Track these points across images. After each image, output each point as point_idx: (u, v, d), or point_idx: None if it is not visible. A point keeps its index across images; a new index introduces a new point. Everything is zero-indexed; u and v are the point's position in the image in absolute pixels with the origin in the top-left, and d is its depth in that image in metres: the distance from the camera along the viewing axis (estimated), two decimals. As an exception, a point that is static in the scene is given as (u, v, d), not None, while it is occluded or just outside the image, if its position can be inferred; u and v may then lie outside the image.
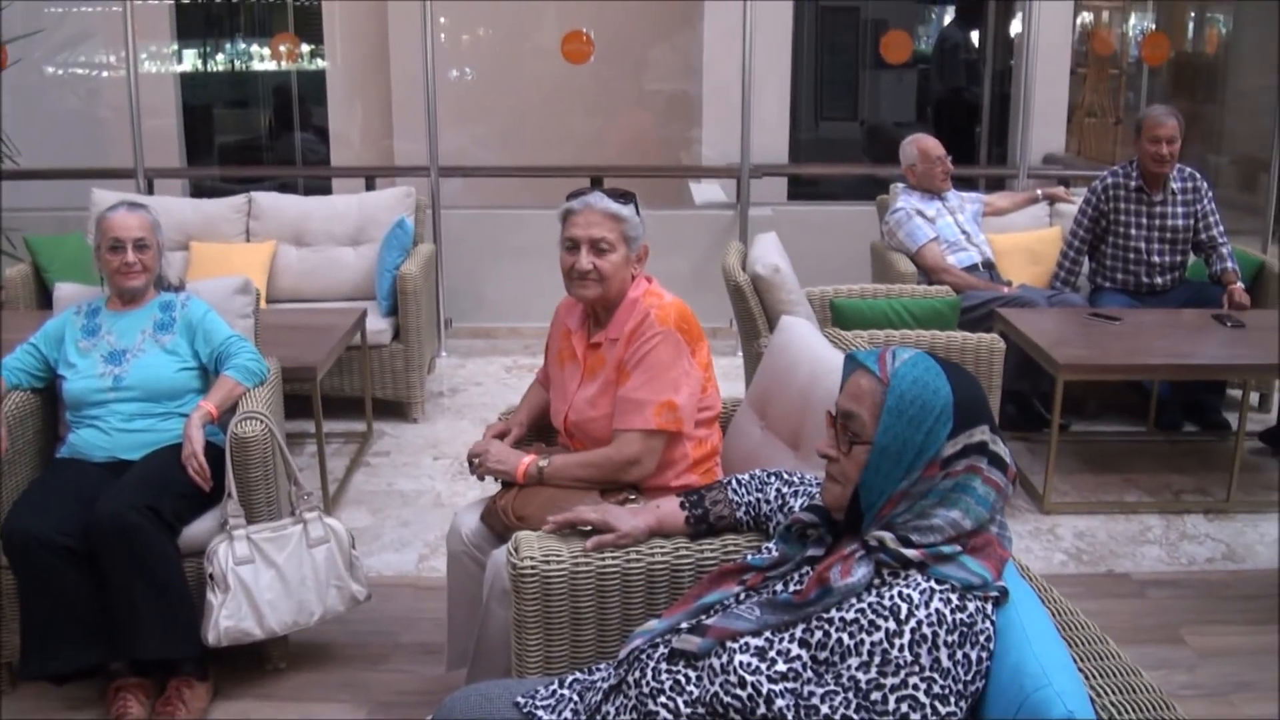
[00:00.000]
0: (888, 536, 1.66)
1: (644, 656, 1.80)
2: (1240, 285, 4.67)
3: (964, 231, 5.05)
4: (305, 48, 8.24)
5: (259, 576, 2.91)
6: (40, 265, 5.10)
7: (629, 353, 2.58)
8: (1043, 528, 3.95)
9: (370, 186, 6.44)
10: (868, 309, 4.03)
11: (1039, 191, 5.49)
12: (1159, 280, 4.83)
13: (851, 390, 1.73)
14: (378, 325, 4.96)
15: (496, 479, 2.71)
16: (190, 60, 8.42)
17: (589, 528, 2.20)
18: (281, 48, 7.40)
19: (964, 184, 5.98)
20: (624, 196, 2.65)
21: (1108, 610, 3.39)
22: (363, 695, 3.02)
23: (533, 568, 2.08)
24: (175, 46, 7.95)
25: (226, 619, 2.86)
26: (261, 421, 3.00)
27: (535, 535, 2.18)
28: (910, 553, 1.64)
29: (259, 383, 3.22)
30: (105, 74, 7.75)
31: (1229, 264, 4.73)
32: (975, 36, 8.25)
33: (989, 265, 5.04)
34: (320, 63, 8.49)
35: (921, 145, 5.14)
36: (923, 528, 1.67)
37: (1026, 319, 4.34)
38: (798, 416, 2.60)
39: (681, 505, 2.21)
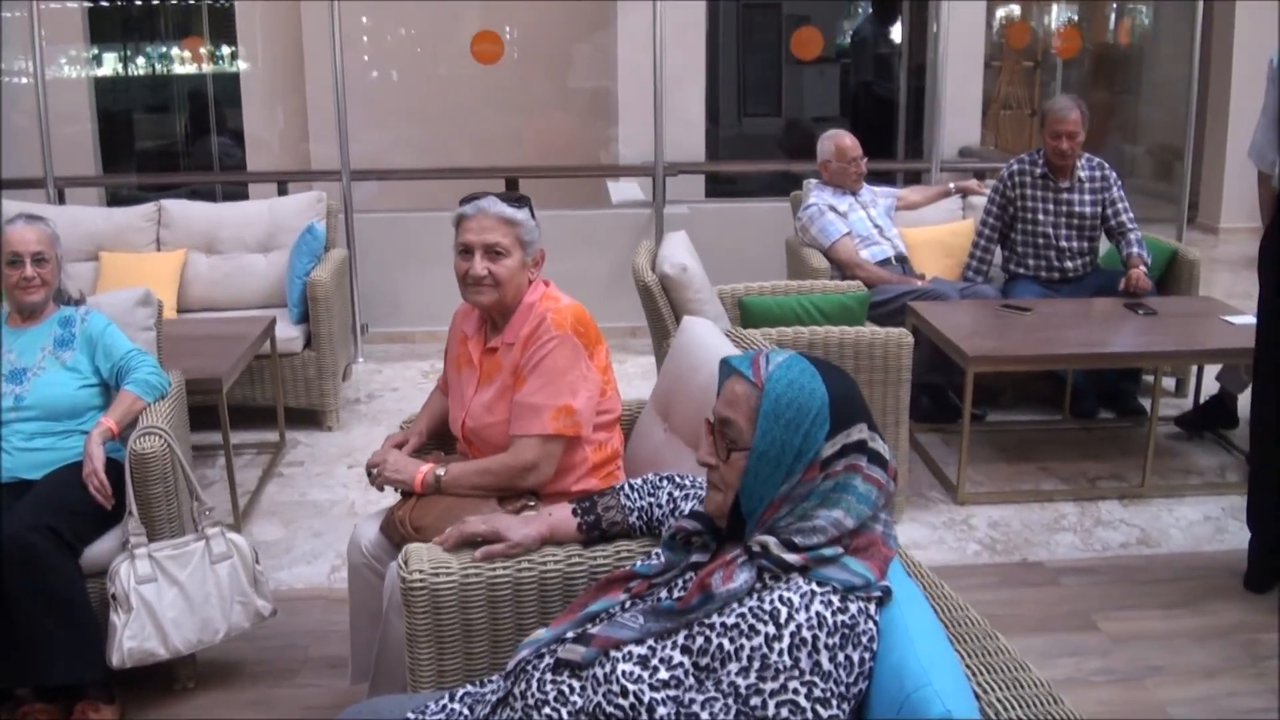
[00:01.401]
0: (770, 541, 1.65)
1: (529, 667, 1.77)
2: (1142, 270, 4.70)
3: (876, 226, 5.08)
4: (225, 50, 8.10)
5: (162, 595, 2.84)
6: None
7: (525, 357, 2.55)
8: (957, 518, 3.97)
9: (283, 192, 6.33)
10: (776, 306, 4.02)
11: (951, 185, 5.55)
12: (1069, 264, 4.90)
13: (727, 396, 1.71)
14: (289, 333, 4.87)
15: (397, 489, 2.67)
16: (105, 65, 8.23)
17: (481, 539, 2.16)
18: (188, 50, 7.26)
19: (881, 178, 6.02)
20: (518, 201, 2.62)
21: (1021, 599, 3.42)
22: (271, 712, 2.96)
23: (421, 580, 2.04)
24: (89, 51, 7.77)
25: (130, 639, 2.79)
26: (160, 437, 2.92)
27: (426, 547, 2.14)
28: (791, 557, 1.62)
29: (160, 396, 3.14)
30: (23, 80, 7.55)
31: (1134, 249, 4.78)
32: (896, 31, 8.30)
33: (902, 259, 5.07)
34: (239, 65, 8.34)
35: (839, 143, 5.15)
36: (805, 530, 1.65)
37: (937, 312, 4.37)
38: (699, 418, 2.55)
39: (574, 512, 2.17)
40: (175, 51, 8.34)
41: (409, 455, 2.77)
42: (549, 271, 6.18)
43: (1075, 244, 4.88)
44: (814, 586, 1.60)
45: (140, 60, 8.48)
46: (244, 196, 6.78)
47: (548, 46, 7.77)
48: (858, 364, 3.75)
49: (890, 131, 7.65)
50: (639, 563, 1.87)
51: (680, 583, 1.77)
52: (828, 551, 1.64)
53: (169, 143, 8.94)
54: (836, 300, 4.09)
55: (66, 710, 2.84)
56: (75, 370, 3.11)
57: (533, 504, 2.52)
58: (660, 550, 1.86)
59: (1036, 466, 4.40)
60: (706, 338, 2.86)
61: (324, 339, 4.93)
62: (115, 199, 7.02)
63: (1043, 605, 3.40)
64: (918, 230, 5.31)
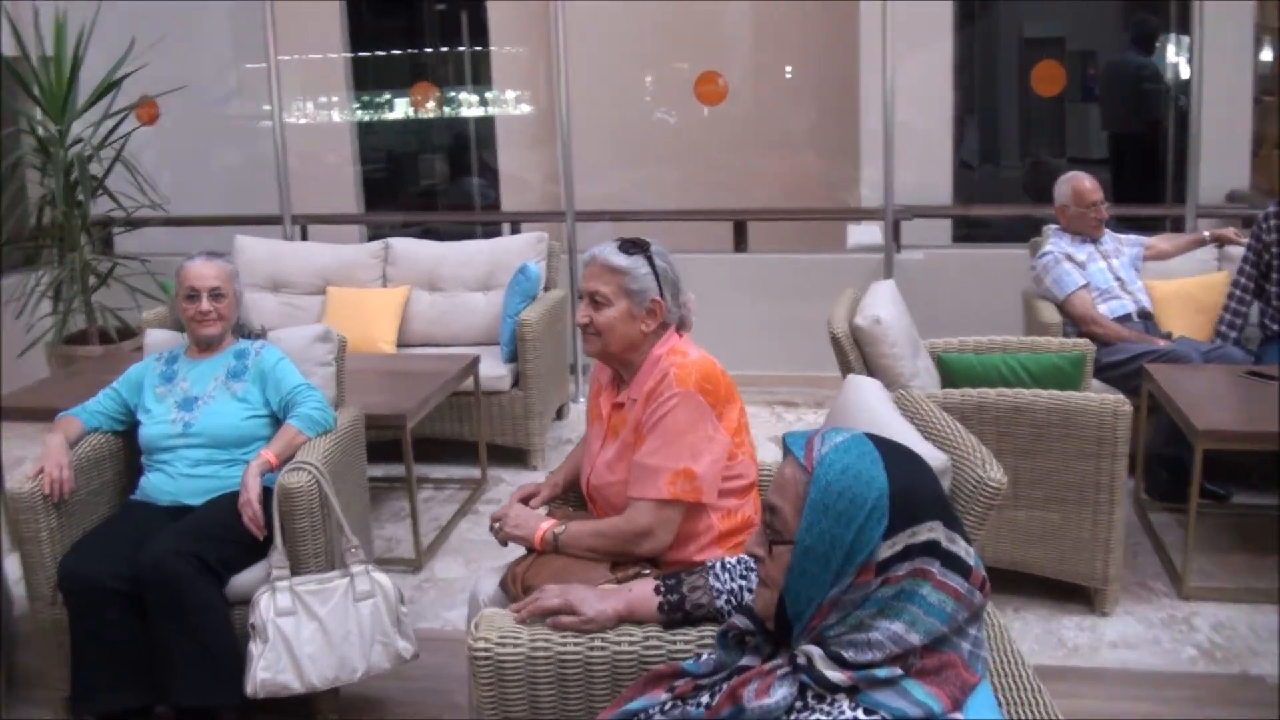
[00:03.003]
0: (815, 653, 1.43)
1: (561, 765, 1.61)
2: None
3: (1118, 278, 4.61)
4: (485, 94, 8.39)
5: (300, 629, 2.86)
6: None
7: (646, 414, 2.41)
8: (1178, 616, 3.49)
9: (516, 231, 6.44)
10: (978, 364, 3.69)
11: (1206, 233, 4.98)
12: None
13: (777, 480, 1.50)
14: (497, 371, 4.91)
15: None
16: (369, 110, 8.70)
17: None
18: (418, 97, 7.58)
19: (1138, 225, 5.51)
20: (634, 247, 2.48)
21: (1231, 720, 2.95)
22: (403, 756, 2.93)
23: (486, 650, 1.93)
24: (352, 97, 8.23)
25: (264, 670, 2.81)
26: (309, 472, 2.96)
27: (500, 614, 2.02)
28: (836, 675, 1.40)
29: (322, 432, 3.20)
30: (295, 121, 8.09)
31: None
32: (1181, 67, 7.64)
33: (1145, 315, 4.58)
34: (496, 109, 8.63)
35: (1077, 185, 4.73)
36: (859, 643, 1.42)
37: (1174, 376, 3.90)
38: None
39: (656, 590, 2.00)
40: (446, 94, 8.71)
41: (539, 507, 2.68)
42: (774, 315, 6.01)
43: (1333, 303, 4.28)
44: (859, 714, 1.37)
45: (404, 104, 8.90)
46: (498, 235, 6.95)
47: (793, 85, 7.61)
48: (1067, 433, 3.37)
49: (1158, 174, 7.02)
50: (691, 660, 1.68)
51: (723, 689, 1.57)
52: (882, 672, 1.40)
53: (431, 183, 9.34)
54: (1047, 360, 3.71)
55: (203, 732, 2.89)
56: (245, 401, 3.20)
57: (647, 572, 2.36)
58: (714, 647, 1.67)
59: (1281, 560, 3.83)
60: (868, 399, 2.63)
61: (531, 378, 4.94)
62: (376, 236, 7.36)
63: (1256, 730, 2.92)
64: (1166, 283, 4.79)
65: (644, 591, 2.01)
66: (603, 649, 1.94)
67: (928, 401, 2.66)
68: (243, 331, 3.39)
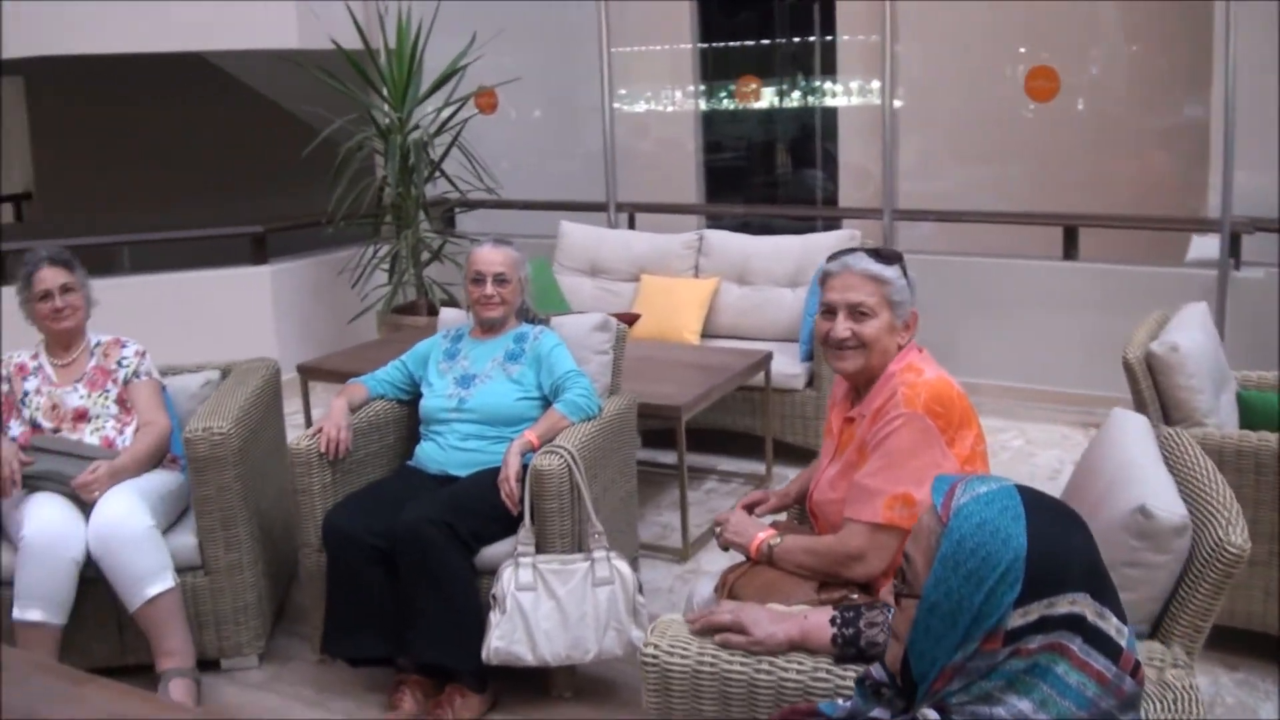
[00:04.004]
0: (932, 719, 1.33)
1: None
2: None
3: None
4: (832, 86, 8.31)
5: (539, 605, 2.98)
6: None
7: (870, 433, 2.32)
8: None
9: (834, 228, 6.35)
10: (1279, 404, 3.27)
11: None
12: None
13: (915, 528, 1.40)
14: (792, 369, 4.87)
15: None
16: (719, 100, 8.82)
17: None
18: (743, 89, 7.59)
19: None
20: (889, 257, 2.38)
21: None
22: (636, 740, 2.98)
23: (654, 658, 1.93)
24: (699, 87, 8.37)
25: (499, 639, 2.96)
26: (561, 456, 3.06)
27: (676, 623, 2.02)
28: None
29: (585, 419, 3.29)
30: (659, 109, 8.34)
31: None
32: None
33: None
34: (839, 100, 8.52)
35: None
36: (982, 716, 1.31)
37: None
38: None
39: (832, 621, 1.92)
40: (808, 83, 8.68)
41: (763, 516, 2.65)
42: (1097, 329, 5.62)
43: None
44: (968, 793, 1.26)
45: (762, 94, 8.94)
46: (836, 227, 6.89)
47: (1145, 82, 6.99)
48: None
49: None
50: (829, 702, 1.61)
51: (849, 738, 1.49)
52: (1004, 754, 1.28)
53: (772, 174, 9.36)
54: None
55: (439, 688, 3.07)
56: (519, 383, 3.35)
57: (854, 597, 2.28)
58: (854, 692, 1.58)
59: None
60: (1128, 438, 2.40)
61: (825, 379, 4.87)
62: (715, 226, 7.47)
63: None
64: None
65: (819, 621, 1.94)
66: (769, 673, 1.90)
67: (1195, 446, 2.39)
68: (526, 316, 3.55)
